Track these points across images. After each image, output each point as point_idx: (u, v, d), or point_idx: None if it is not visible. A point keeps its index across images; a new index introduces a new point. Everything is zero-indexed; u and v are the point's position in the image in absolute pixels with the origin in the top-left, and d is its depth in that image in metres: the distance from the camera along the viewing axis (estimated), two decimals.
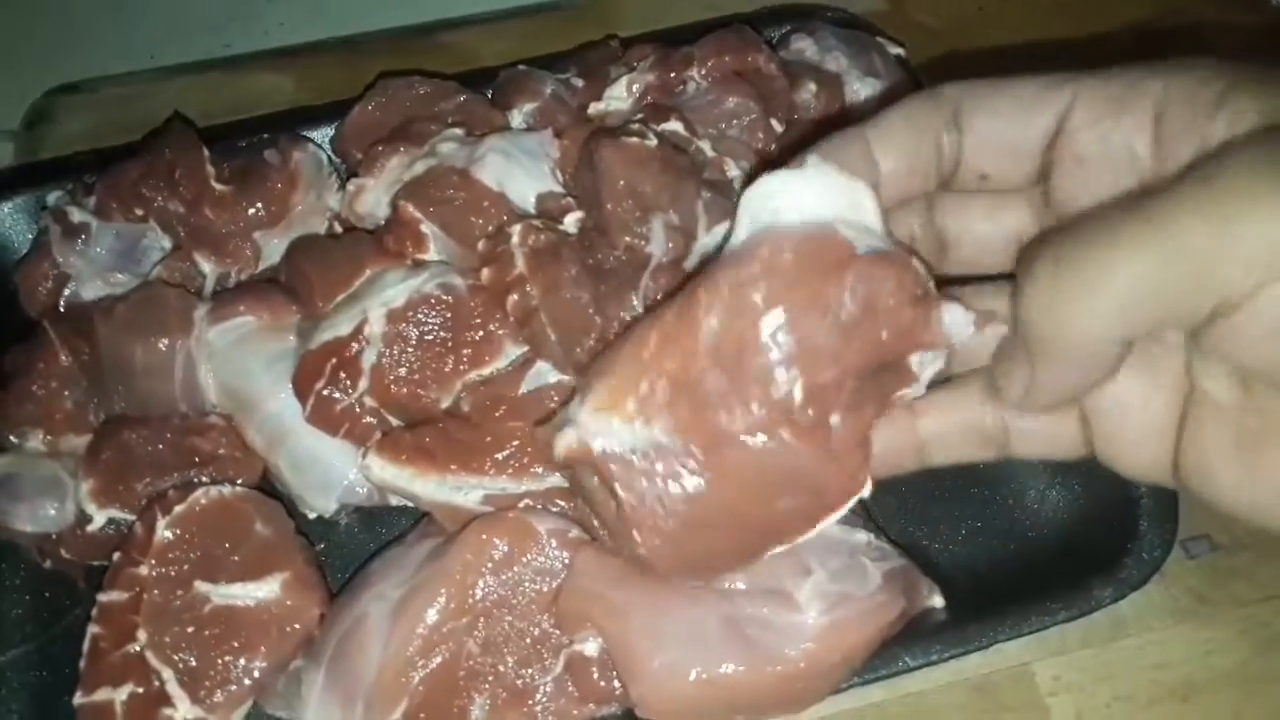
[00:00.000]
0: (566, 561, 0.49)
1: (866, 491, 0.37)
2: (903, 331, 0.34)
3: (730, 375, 0.35)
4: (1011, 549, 0.56)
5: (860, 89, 0.67)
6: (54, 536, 0.54)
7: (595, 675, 0.47)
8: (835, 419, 0.35)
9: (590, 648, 0.48)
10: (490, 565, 0.48)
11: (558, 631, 0.49)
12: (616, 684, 0.47)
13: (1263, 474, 0.29)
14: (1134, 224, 0.27)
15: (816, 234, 0.34)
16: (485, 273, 0.55)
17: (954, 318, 0.34)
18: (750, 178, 0.59)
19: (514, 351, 0.56)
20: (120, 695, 0.46)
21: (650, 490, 0.38)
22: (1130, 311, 0.27)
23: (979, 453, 0.38)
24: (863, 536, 0.50)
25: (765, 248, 0.34)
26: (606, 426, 0.38)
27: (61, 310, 0.61)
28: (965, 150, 0.34)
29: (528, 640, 0.48)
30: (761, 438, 0.35)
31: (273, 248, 0.64)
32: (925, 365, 0.35)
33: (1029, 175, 0.35)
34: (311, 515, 0.56)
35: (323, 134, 0.69)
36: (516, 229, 0.56)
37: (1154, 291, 0.27)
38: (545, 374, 0.55)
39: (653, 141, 0.56)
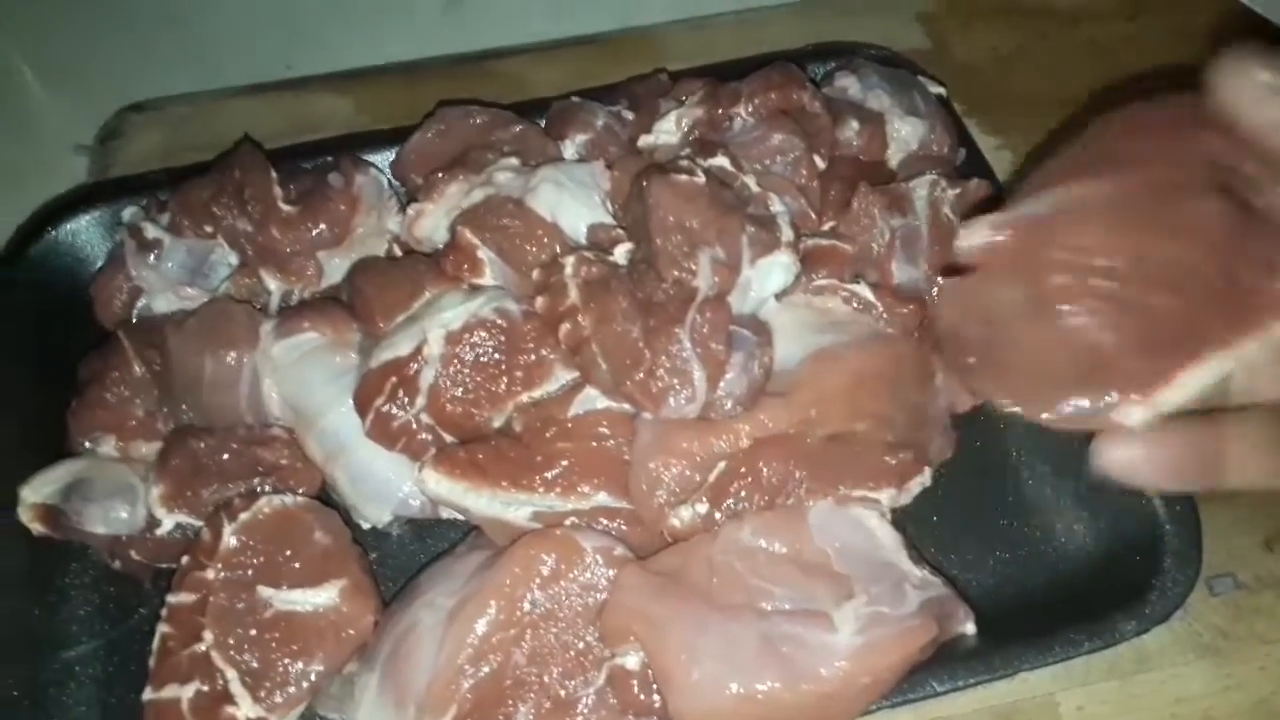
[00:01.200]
0: (611, 578, 0.51)
1: None
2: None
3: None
4: (1039, 580, 0.58)
5: (902, 127, 0.69)
6: (124, 539, 0.57)
7: (635, 688, 0.50)
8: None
9: (631, 661, 0.50)
10: (538, 580, 0.50)
11: (600, 645, 0.51)
12: (656, 697, 0.49)
13: None
14: None
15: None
16: (540, 301, 0.58)
17: None
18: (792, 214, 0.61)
19: (564, 376, 0.58)
20: (187, 693, 0.49)
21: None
22: None
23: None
24: (913, 568, 0.52)
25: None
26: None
27: (134, 322, 0.64)
28: None
29: (572, 653, 0.51)
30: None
31: (334, 267, 0.67)
32: None
33: None
34: (366, 525, 0.59)
35: (383, 158, 0.73)
36: (570, 260, 0.58)
37: None
38: (594, 399, 0.57)
39: (700, 177, 0.58)
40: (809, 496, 0.54)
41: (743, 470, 0.54)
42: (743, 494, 0.54)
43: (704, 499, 0.54)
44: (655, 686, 0.49)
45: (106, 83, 0.89)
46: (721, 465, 0.55)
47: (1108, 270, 0.34)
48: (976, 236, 0.37)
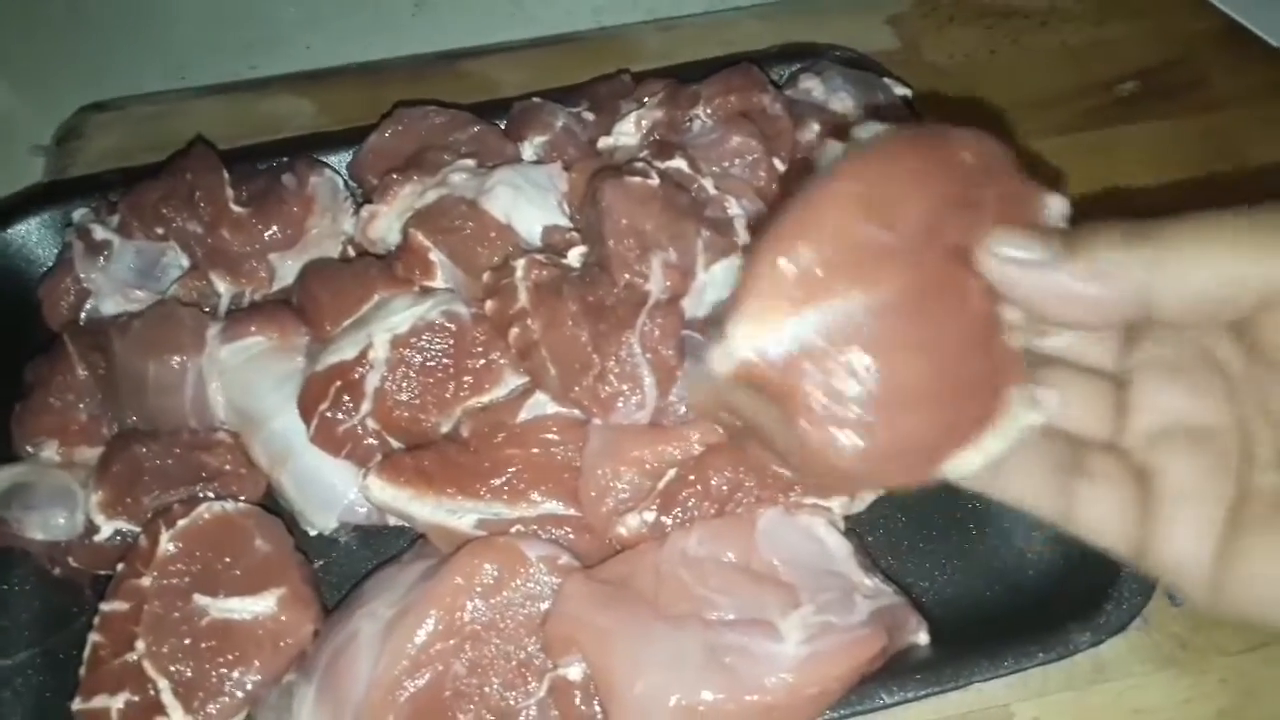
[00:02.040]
0: (555, 587, 0.50)
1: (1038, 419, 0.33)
2: (1012, 196, 0.33)
3: (886, 228, 0.31)
4: (994, 589, 0.57)
5: (864, 131, 0.68)
6: (63, 545, 0.56)
7: (577, 699, 0.49)
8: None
9: (574, 672, 0.49)
10: (480, 589, 0.50)
11: (543, 656, 0.50)
12: (598, 709, 0.48)
13: None
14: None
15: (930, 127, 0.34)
16: (489, 304, 0.57)
17: (1053, 204, 0.33)
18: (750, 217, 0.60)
19: (514, 381, 0.57)
20: (117, 703, 0.48)
21: (828, 382, 0.32)
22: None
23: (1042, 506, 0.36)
24: (864, 577, 0.52)
25: (890, 136, 0.34)
26: (763, 330, 0.32)
27: (81, 325, 0.63)
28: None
29: (513, 663, 0.50)
30: (933, 274, 0.32)
31: (287, 269, 0.66)
32: None
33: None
34: (312, 533, 0.58)
35: (340, 159, 0.72)
36: (520, 263, 0.57)
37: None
38: (544, 404, 0.56)
39: (655, 180, 0.58)
40: (759, 504, 0.53)
41: (692, 478, 0.53)
42: (691, 502, 0.53)
43: (653, 507, 0.53)
44: (597, 698, 0.48)
45: (68, 82, 0.88)
46: (672, 473, 0.54)
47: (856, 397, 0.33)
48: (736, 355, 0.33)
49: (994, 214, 0.33)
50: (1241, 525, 0.30)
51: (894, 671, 0.50)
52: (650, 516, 0.53)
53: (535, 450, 0.55)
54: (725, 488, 0.53)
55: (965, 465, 0.33)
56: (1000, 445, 0.33)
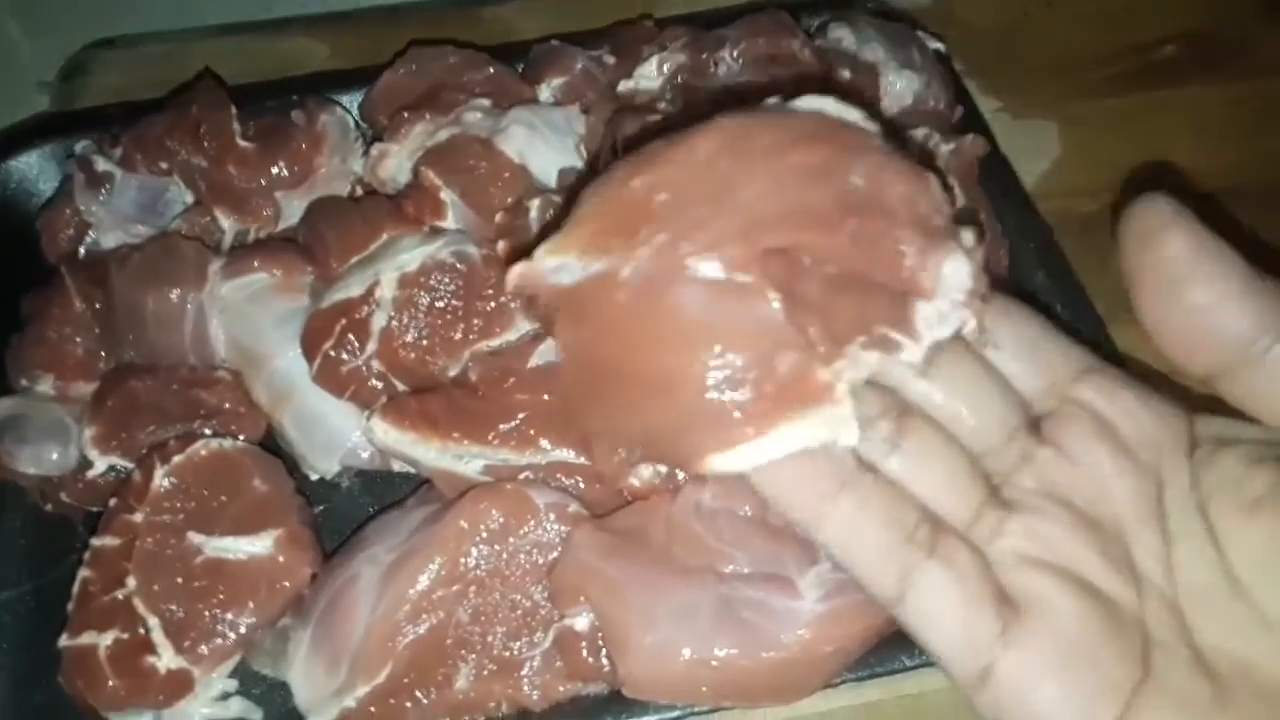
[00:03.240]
0: (563, 536, 0.48)
1: (852, 438, 0.29)
2: (901, 255, 0.29)
3: (712, 206, 0.29)
4: None
5: (896, 81, 0.66)
6: (56, 480, 0.54)
7: (584, 651, 0.47)
8: (808, 291, 0.29)
9: (581, 623, 0.47)
10: (485, 535, 0.47)
11: (548, 605, 0.48)
12: (604, 661, 0.46)
13: None
14: None
15: (845, 115, 0.31)
16: (501, 245, 0.55)
17: (956, 270, 0.29)
18: None
19: (525, 325, 0.55)
20: (105, 640, 0.46)
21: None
22: None
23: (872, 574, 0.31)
24: None
25: (788, 110, 0.31)
26: (561, 260, 0.31)
27: (80, 258, 0.61)
28: None
29: (518, 612, 0.48)
30: (716, 268, 0.29)
31: (294, 208, 0.64)
32: (930, 325, 0.29)
33: None
34: (314, 476, 0.56)
35: (352, 99, 0.69)
36: (535, 203, 0.55)
37: None
38: (554, 350, 0.54)
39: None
40: None
41: None
42: None
43: None
44: (604, 650, 0.46)
45: (77, 18, 0.86)
46: None
47: None
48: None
49: (847, 258, 0.29)
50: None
51: None
52: (664, 467, 0.51)
53: (546, 396, 0.53)
54: None
55: (738, 458, 0.29)
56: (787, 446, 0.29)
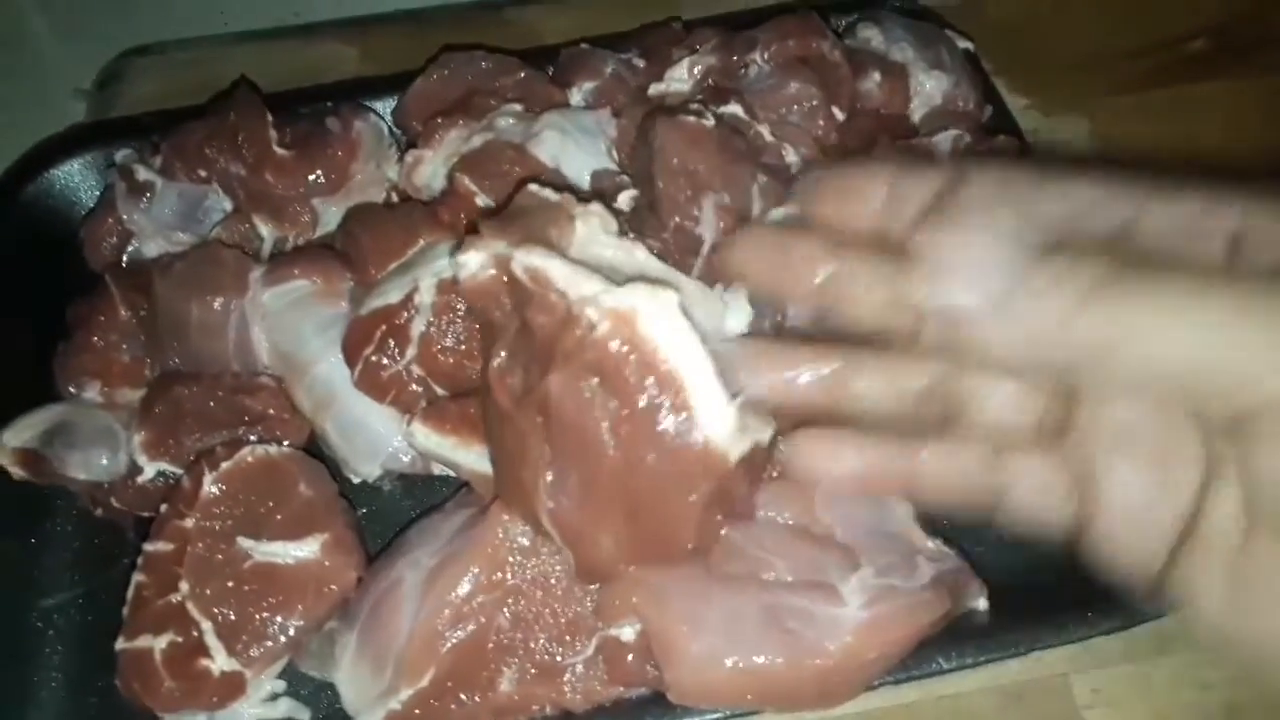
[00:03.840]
0: None
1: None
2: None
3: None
4: (1056, 554, 0.55)
5: (926, 81, 0.66)
6: (105, 486, 0.55)
7: (629, 659, 0.47)
8: None
9: (626, 633, 0.47)
10: (520, 542, 0.48)
11: (591, 616, 0.48)
12: (649, 667, 0.47)
13: (1247, 608, 0.28)
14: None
15: None
16: None
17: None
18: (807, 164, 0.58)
19: None
20: (160, 643, 0.47)
21: None
22: None
23: (967, 504, 0.37)
24: (926, 540, 0.50)
25: None
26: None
27: (124, 266, 0.62)
28: None
29: (562, 621, 0.48)
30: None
31: (331, 215, 0.65)
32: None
33: None
34: (356, 480, 0.57)
35: (385, 105, 0.70)
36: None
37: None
38: None
39: (710, 122, 0.56)
40: None
41: None
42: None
43: None
44: (649, 658, 0.47)
45: (111, 26, 0.87)
46: None
47: None
48: None
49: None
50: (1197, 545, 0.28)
51: (953, 636, 0.48)
52: None
53: None
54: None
55: None
56: None
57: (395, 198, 0.65)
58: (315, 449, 0.57)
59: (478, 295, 0.43)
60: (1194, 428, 0.29)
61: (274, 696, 0.50)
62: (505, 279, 0.42)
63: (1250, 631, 0.28)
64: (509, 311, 0.43)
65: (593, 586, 0.48)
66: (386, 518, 0.57)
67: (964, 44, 0.71)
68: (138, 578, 0.49)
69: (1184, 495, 0.29)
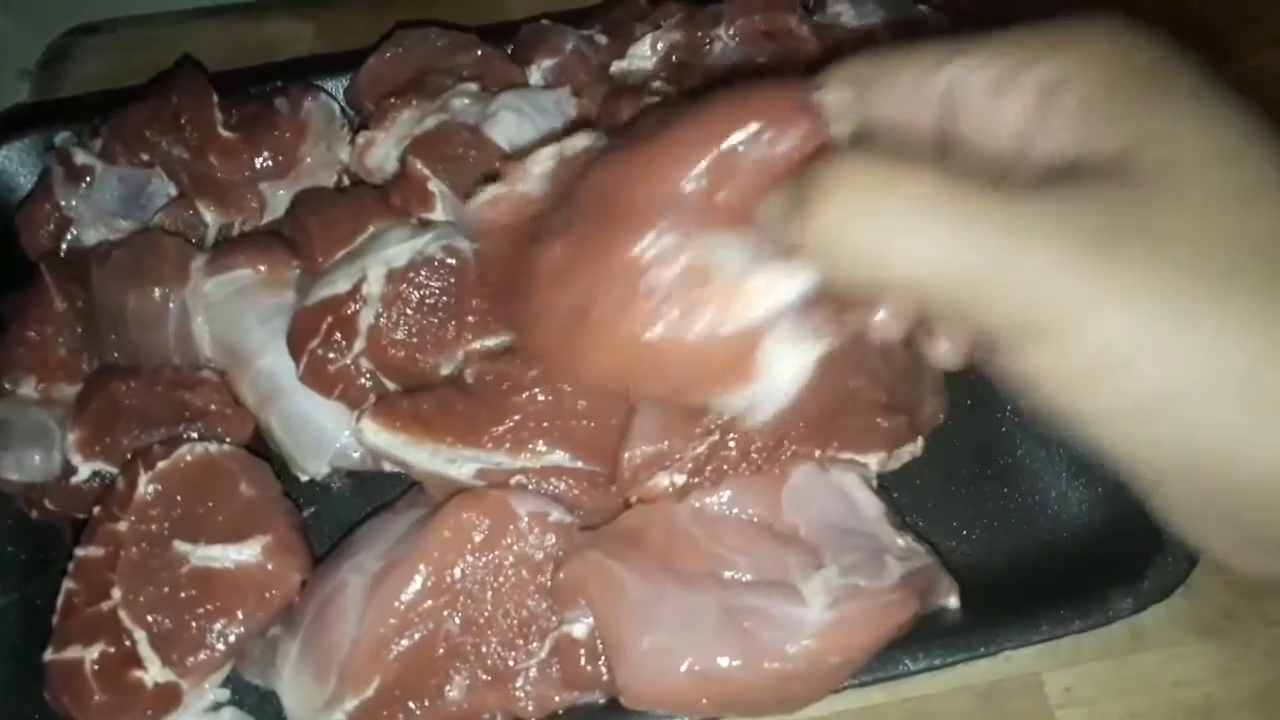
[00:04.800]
0: (548, 546, 0.47)
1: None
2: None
3: None
4: (1028, 551, 0.53)
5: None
6: (40, 486, 0.53)
7: (582, 659, 0.45)
8: None
9: (579, 630, 0.46)
10: (470, 545, 0.46)
11: (545, 615, 0.47)
12: (603, 669, 0.45)
13: None
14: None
15: None
16: None
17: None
18: None
19: None
20: (91, 654, 0.45)
21: None
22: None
23: None
24: (895, 537, 0.48)
25: None
26: None
27: (61, 255, 0.60)
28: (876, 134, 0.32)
29: (515, 622, 0.46)
30: None
31: (279, 200, 0.62)
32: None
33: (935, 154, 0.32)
34: (303, 478, 0.55)
35: (338, 84, 0.67)
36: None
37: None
38: None
39: None
40: (794, 461, 0.49)
41: (732, 441, 0.49)
42: (726, 466, 0.48)
43: (685, 469, 0.49)
44: (602, 659, 0.45)
45: (60, 4, 0.83)
46: (716, 435, 0.49)
47: None
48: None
49: None
50: None
51: (921, 636, 0.47)
52: (680, 479, 0.49)
53: (543, 398, 0.51)
54: (764, 453, 0.49)
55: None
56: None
57: (347, 181, 0.63)
58: (260, 447, 0.55)
59: None
60: None
61: (216, 706, 0.48)
62: None
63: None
64: None
65: (546, 575, 0.46)
66: (336, 517, 0.55)
67: (937, 19, 0.68)
68: (67, 585, 0.47)
69: None
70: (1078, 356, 0.24)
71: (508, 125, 0.57)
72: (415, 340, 0.53)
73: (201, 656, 0.46)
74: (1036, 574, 0.52)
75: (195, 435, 0.52)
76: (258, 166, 0.61)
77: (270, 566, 0.48)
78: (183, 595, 0.46)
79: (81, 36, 0.80)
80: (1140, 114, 0.26)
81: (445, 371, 0.54)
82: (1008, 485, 0.55)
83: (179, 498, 0.49)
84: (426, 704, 0.45)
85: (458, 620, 0.46)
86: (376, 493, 0.55)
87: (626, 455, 0.48)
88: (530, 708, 0.45)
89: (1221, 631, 0.52)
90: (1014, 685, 0.51)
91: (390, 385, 0.54)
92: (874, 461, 0.51)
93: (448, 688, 0.45)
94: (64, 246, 0.60)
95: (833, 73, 0.32)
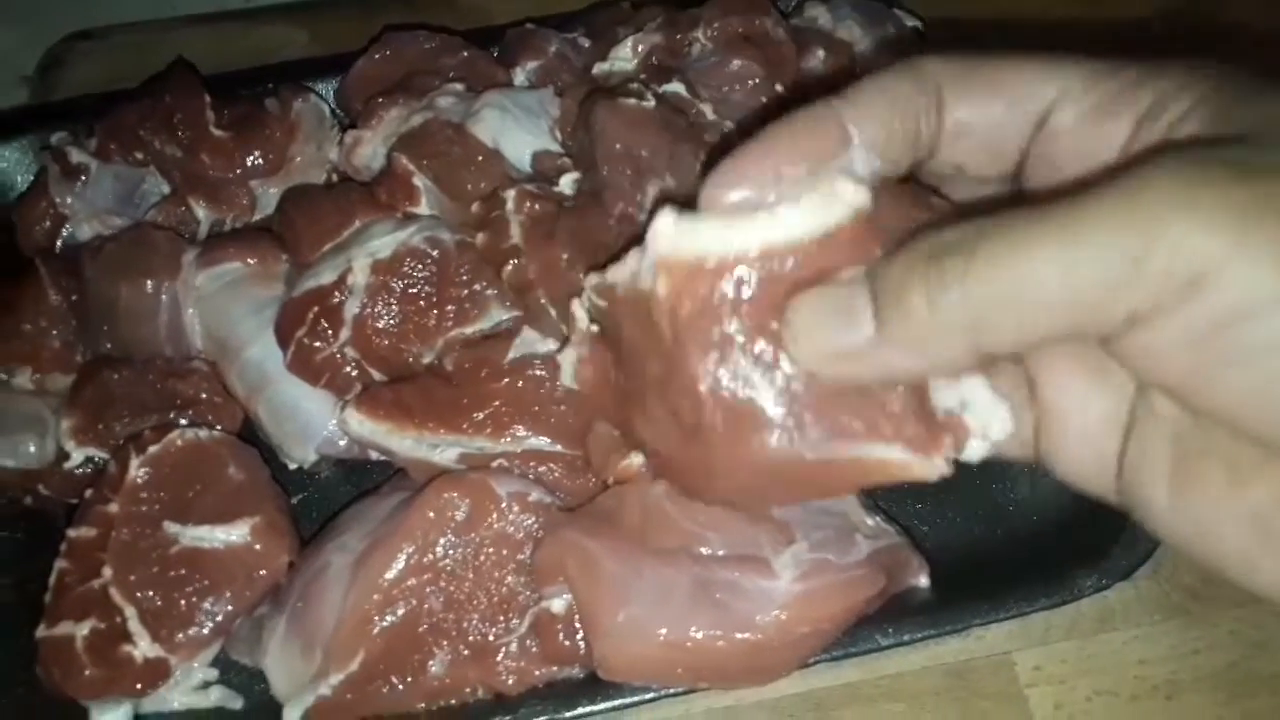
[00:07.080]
0: (527, 525, 0.48)
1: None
2: None
3: None
4: (998, 531, 0.55)
5: (871, 59, 0.65)
6: (34, 473, 0.54)
7: (560, 634, 0.47)
8: None
9: (558, 605, 0.47)
10: (451, 524, 0.47)
11: (525, 592, 0.48)
12: (580, 644, 0.46)
13: (1191, 500, 0.26)
14: (1044, 225, 0.24)
15: None
16: (480, 237, 0.55)
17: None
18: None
19: (500, 313, 0.55)
20: (82, 630, 0.46)
21: None
22: (1025, 318, 0.25)
23: None
24: (865, 517, 0.49)
25: None
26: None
27: (56, 250, 0.61)
28: (943, 138, 0.31)
29: (495, 599, 0.48)
30: None
31: (270, 197, 0.64)
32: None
33: (1006, 172, 0.31)
34: (291, 466, 0.56)
35: (328, 86, 0.69)
36: (511, 195, 0.54)
37: (1060, 299, 0.24)
38: (533, 342, 0.53)
39: (651, 103, 0.55)
40: None
41: None
42: None
43: None
44: (580, 634, 0.46)
45: (56, 10, 0.85)
46: None
47: None
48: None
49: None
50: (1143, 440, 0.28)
51: (891, 614, 0.48)
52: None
53: (521, 384, 0.52)
54: None
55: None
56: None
57: (336, 179, 0.64)
58: (250, 435, 0.56)
59: None
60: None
61: (205, 685, 0.49)
62: None
63: (1194, 528, 0.27)
64: None
65: (526, 554, 0.48)
66: (323, 503, 0.56)
67: (912, 22, 0.70)
68: (60, 564, 0.48)
69: (1118, 381, 0.29)
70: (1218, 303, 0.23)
71: (492, 123, 0.58)
72: (398, 329, 0.54)
73: (191, 632, 0.47)
74: (1005, 554, 0.53)
75: (185, 422, 0.53)
76: (249, 165, 0.63)
77: (258, 547, 0.49)
78: (172, 574, 0.48)
79: (77, 42, 0.82)
80: (1256, 104, 0.25)
81: (428, 360, 0.55)
82: (978, 467, 0.56)
83: (169, 481, 0.50)
84: (409, 679, 0.46)
85: (440, 597, 0.47)
86: (363, 479, 0.57)
87: (591, 437, 0.49)
88: (510, 682, 0.46)
89: (1187, 613, 0.54)
90: (986, 664, 0.52)
91: (375, 374, 0.55)
92: None
93: (430, 663, 0.46)
94: (59, 242, 0.62)
95: (901, 73, 0.30)
